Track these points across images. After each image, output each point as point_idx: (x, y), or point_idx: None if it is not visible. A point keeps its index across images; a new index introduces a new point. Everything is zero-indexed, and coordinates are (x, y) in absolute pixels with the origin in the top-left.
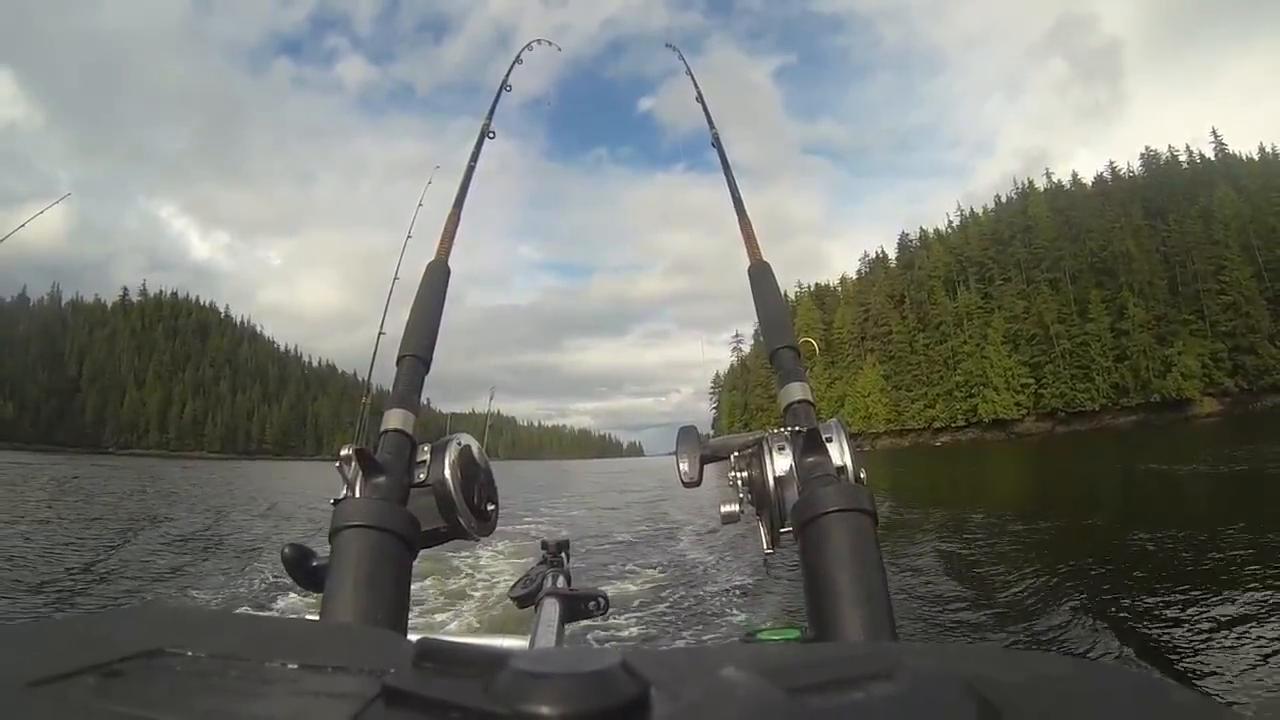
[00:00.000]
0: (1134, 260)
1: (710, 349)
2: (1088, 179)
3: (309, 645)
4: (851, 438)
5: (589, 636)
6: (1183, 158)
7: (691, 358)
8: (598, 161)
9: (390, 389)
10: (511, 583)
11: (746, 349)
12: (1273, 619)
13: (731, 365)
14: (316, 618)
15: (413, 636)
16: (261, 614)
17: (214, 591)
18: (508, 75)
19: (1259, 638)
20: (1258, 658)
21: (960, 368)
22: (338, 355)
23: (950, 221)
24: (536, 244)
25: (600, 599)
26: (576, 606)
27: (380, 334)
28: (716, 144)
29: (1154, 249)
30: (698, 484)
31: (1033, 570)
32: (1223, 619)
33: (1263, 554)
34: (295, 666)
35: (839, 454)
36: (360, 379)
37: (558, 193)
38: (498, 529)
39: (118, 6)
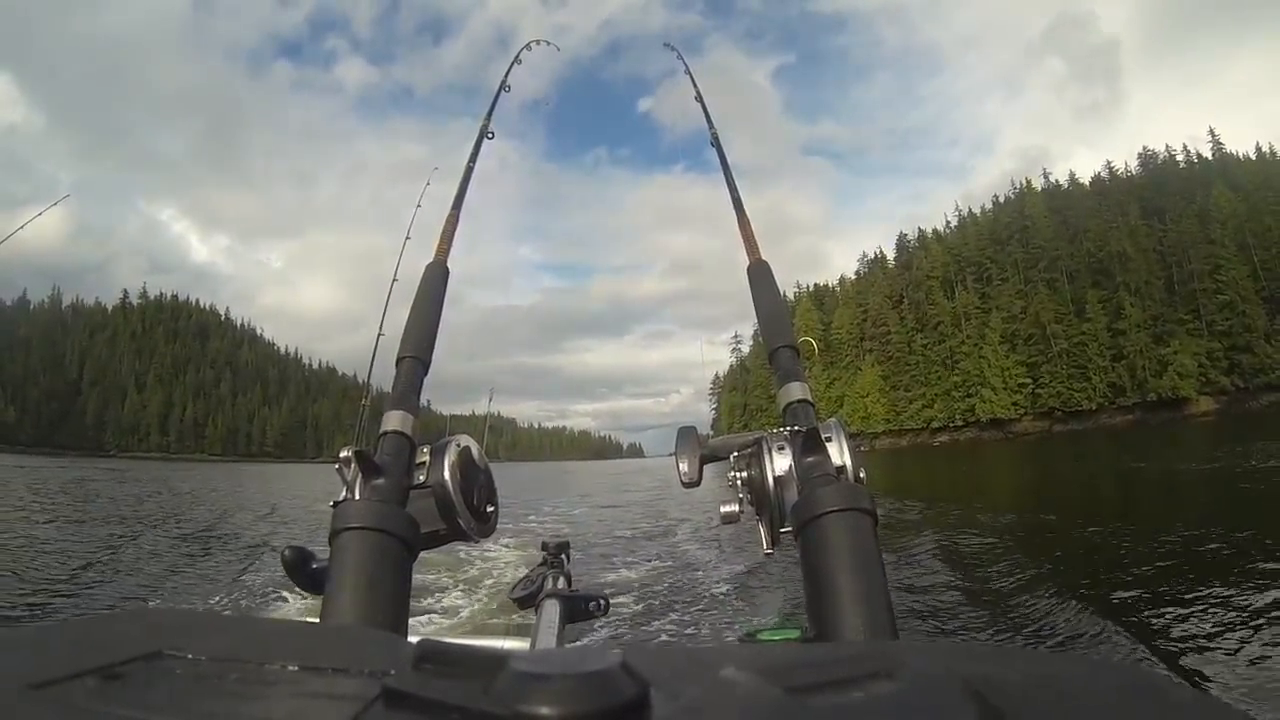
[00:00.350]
0: (1131, 260)
1: (710, 349)
2: (1085, 179)
3: (309, 647)
4: (851, 437)
5: (589, 635)
6: (1180, 157)
7: (691, 358)
8: (597, 162)
9: (390, 391)
10: (512, 584)
11: (746, 350)
12: (1274, 615)
13: (731, 366)
14: (317, 620)
15: (413, 638)
16: (261, 616)
17: (214, 593)
18: (506, 76)
19: (1261, 635)
20: (1260, 655)
21: (958, 368)
22: (338, 357)
23: (948, 222)
24: (536, 244)
25: (601, 600)
26: (577, 608)
27: (380, 335)
28: (716, 144)
29: (1151, 249)
30: (697, 484)
31: (1032, 569)
32: (1223, 616)
33: (1262, 552)
34: (295, 668)
35: (839, 454)
36: (360, 381)
37: (557, 193)
38: (498, 529)
39: (118, 9)
